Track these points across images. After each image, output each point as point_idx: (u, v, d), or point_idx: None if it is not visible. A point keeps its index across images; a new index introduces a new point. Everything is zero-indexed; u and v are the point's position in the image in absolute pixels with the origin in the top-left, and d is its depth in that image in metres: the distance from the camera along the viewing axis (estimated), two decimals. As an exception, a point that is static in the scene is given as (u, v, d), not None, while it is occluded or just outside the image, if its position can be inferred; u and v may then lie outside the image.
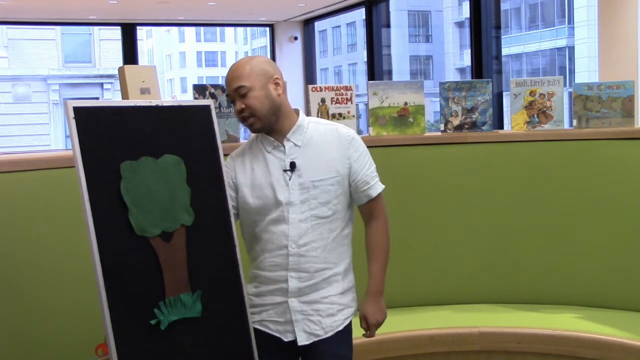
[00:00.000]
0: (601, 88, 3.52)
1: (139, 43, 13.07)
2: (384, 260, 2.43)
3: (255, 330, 2.37)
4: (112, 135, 2.18)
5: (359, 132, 3.59)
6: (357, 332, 2.47)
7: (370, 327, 2.43)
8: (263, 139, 2.39)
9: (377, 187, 2.43)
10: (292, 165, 2.33)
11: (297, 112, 2.42)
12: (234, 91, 2.33)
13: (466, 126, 3.57)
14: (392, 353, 3.05)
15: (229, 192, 2.40)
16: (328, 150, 2.36)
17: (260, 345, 2.35)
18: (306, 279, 2.33)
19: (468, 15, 8.98)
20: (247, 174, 2.39)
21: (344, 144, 2.38)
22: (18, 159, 2.74)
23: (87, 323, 2.54)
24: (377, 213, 2.44)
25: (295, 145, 2.36)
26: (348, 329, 2.42)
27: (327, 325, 2.35)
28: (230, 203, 2.39)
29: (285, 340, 2.35)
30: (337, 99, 3.47)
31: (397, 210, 2.82)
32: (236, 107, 2.34)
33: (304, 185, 2.32)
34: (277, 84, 2.34)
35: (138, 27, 12.60)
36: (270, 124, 2.35)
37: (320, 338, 2.34)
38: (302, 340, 2.33)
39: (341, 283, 2.39)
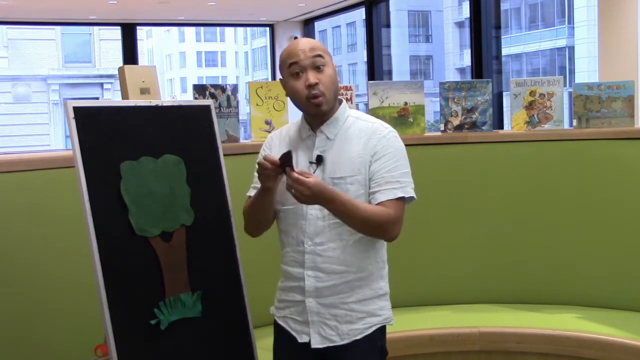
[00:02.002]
0: (601, 88, 3.51)
1: (139, 43, 13.06)
2: (360, 209, 2.10)
3: (278, 325, 2.30)
4: (112, 135, 2.19)
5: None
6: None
7: (294, 182, 2.04)
8: (302, 125, 2.26)
9: (386, 194, 2.15)
10: (319, 159, 2.19)
11: (340, 102, 2.27)
12: (311, 58, 2.15)
13: (466, 126, 3.56)
14: (392, 353, 3.01)
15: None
16: (355, 147, 2.19)
17: (280, 342, 2.31)
18: (324, 279, 2.19)
19: (468, 15, 8.97)
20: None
21: (373, 141, 2.19)
22: (18, 159, 2.74)
23: (87, 323, 2.54)
24: (389, 209, 2.15)
25: (328, 138, 2.21)
26: (369, 339, 2.24)
27: (344, 332, 2.20)
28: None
29: (300, 340, 2.23)
30: (337, 99, 3.46)
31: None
32: (307, 80, 2.15)
33: (324, 182, 2.13)
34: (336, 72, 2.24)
35: (138, 27, 12.58)
36: (329, 109, 2.20)
37: (335, 344, 2.21)
38: (316, 343, 2.21)
39: (365, 290, 2.23)
